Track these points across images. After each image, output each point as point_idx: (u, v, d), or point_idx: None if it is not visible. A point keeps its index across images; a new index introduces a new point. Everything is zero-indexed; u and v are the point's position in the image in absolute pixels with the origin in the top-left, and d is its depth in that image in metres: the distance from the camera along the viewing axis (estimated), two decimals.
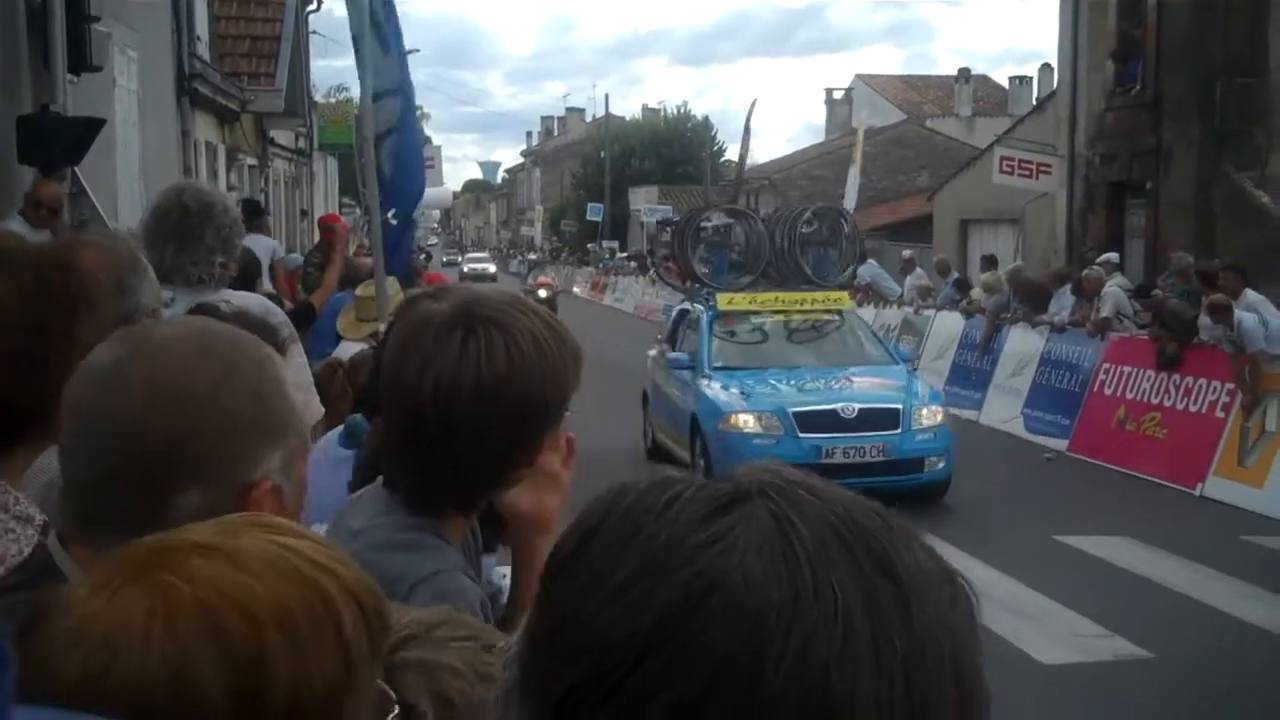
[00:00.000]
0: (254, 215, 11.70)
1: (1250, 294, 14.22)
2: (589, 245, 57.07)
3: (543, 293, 33.51)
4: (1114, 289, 17.30)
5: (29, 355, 1.77)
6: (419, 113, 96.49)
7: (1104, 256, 19.33)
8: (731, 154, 69.22)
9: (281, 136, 27.46)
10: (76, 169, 9.77)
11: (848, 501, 0.86)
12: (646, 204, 61.64)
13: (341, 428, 2.38)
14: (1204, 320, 14.37)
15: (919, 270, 24.24)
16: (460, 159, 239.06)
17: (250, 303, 4.27)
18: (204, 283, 4.47)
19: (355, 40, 6.97)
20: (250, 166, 23.49)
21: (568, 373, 2.04)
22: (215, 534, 1.13)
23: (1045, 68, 49.74)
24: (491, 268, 71.50)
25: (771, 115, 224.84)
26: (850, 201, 30.70)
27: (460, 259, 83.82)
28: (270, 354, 1.65)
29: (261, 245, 10.20)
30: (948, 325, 20.96)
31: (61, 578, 1.50)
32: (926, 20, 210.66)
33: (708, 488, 0.86)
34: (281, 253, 11.71)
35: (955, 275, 22.96)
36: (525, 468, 2.05)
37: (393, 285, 6.86)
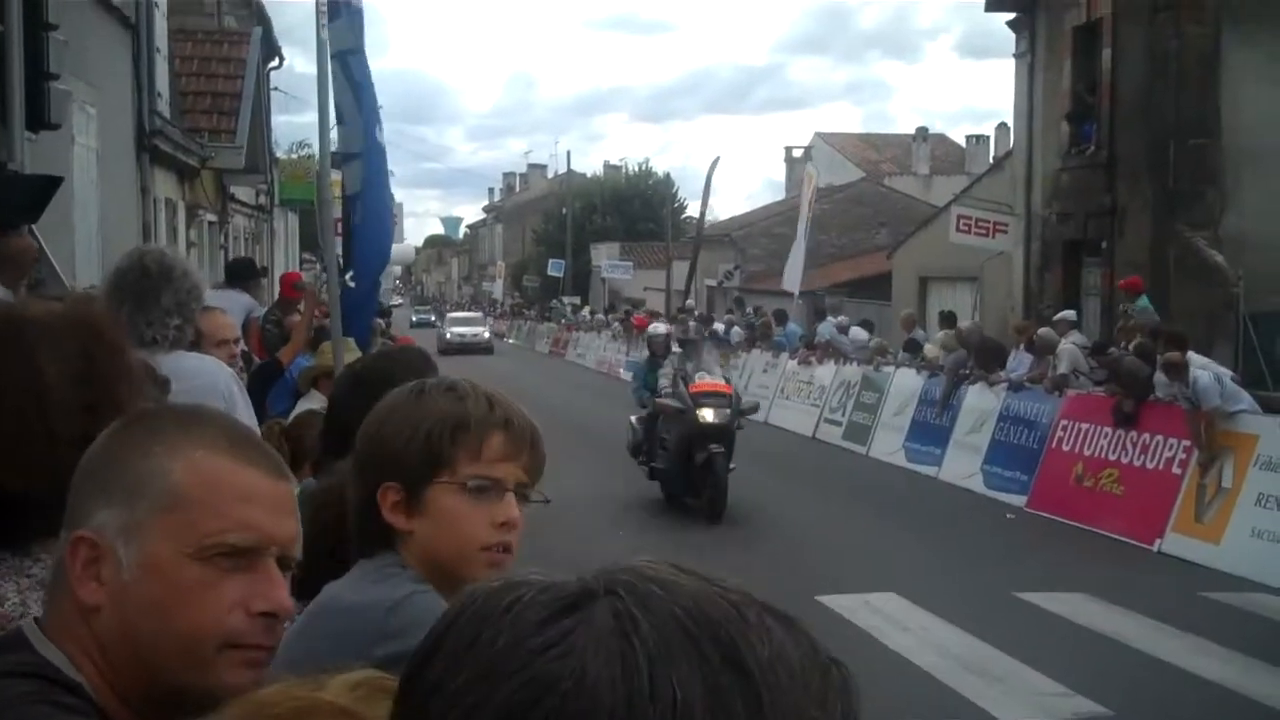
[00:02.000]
0: (241, 275, 11.60)
1: (1195, 357, 14.32)
2: (552, 302, 56.83)
3: (709, 414, 15.15)
4: (1070, 346, 17.38)
5: (85, 439, 1.73)
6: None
7: (1060, 314, 19.45)
8: (693, 210, 69.53)
9: (242, 192, 27.39)
10: (34, 228, 9.68)
11: (699, 593, 0.84)
12: (609, 260, 61.80)
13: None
14: (1160, 378, 14.47)
15: (855, 330, 24.70)
16: (422, 215, 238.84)
17: (180, 363, 4.23)
18: (156, 344, 4.43)
19: (321, 97, 6.98)
20: (210, 223, 23.41)
21: (426, 436, 2.10)
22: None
23: (1002, 127, 50.23)
24: (485, 333, 56.82)
25: (732, 172, 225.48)
26: (798, 254, 31.04)
27: (438, 320, 69.97)
28: (185, 424, 1.58)
29: (238, 304, 10.12)
30: (907, 382, 21.05)
31: (30, 653, 1.51)
32: (884, 80, 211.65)
33: (552, 589, 0.85)
34: (259, 312, 11.58)
35: (906, 336, 23.06)
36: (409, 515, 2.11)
37: (349, 348, 6.82)
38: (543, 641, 0.81)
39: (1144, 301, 18.66)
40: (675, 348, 17.39)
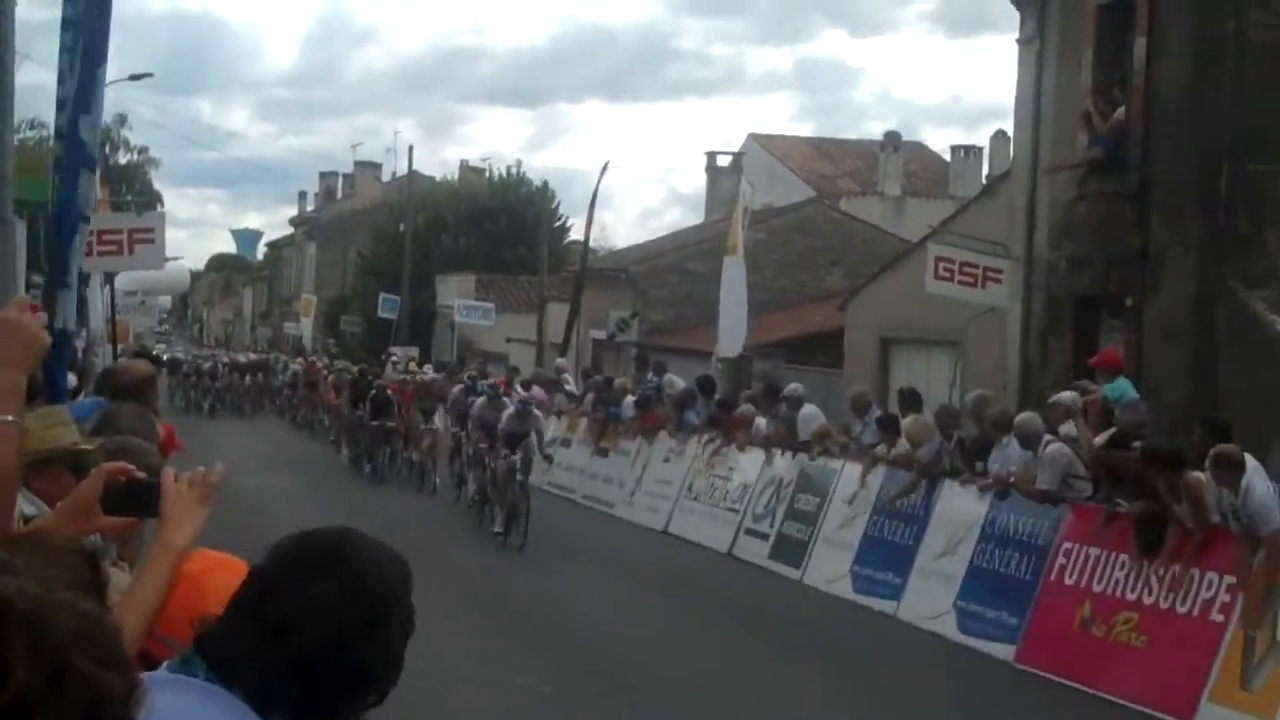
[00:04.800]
0: None
1: (1248, 459, 14.42)
2: (390, 359, 54.99)
3: None
4: (1057, 447, 17.34)
5: None
6: (143, 157, 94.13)
7: (1057, 396, 19.28)
8: (578, 232, 69.53)
9: None
10: None
11: None
12: (461, 298, 61.46)
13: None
14: (1208, 478, 14.45)
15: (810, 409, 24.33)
16: (203, 225, 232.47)
17: None
18: None
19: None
20: None
21: None
22: None
23: (999, 136, 50.87)
24: None
25: (631, 183, 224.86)
26: (736, 307, 31.13)
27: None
28: None
29: None
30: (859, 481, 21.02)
31: None
32: (840, 60, 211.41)
33: None
34: None
35: (878, 412, 23.03)
36: None
37: (52, 415, 6.55)
38: None
39: (1120, 389, 18.36)
40: None
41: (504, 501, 24.58)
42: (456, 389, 32.11)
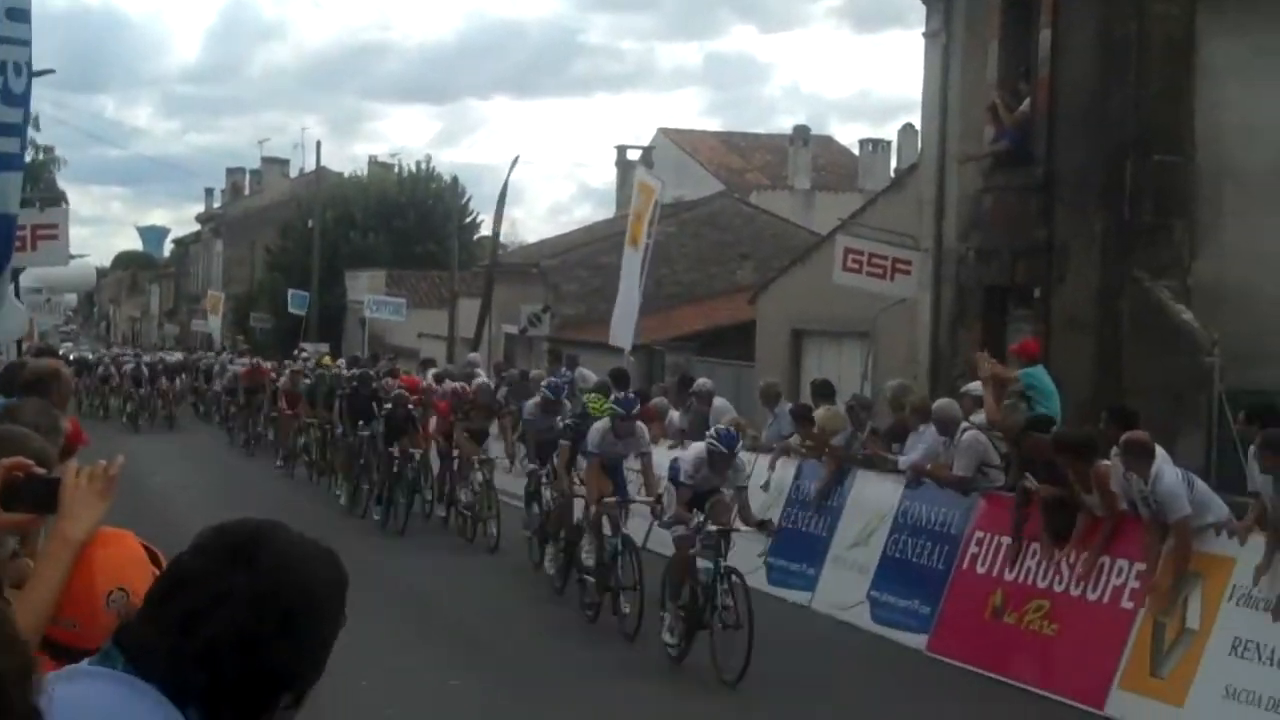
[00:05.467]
0: None
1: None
2: (300, 355, 51.38)
3: None
4: (972, 434, 17.43)
5: None
6: (48, 156, 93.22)
7: (968, 386, 19.39)
8: (488, 228, 69.34)
9: None
10: None
11: None
12: (372, 294, 61.23)
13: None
14: (1116, 467, 14.54)
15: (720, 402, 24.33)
16: (106, 221, 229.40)
17: None
18: None
19: None
20: None
21: None
22: None
23: (908, 130, 51.09)
24: None
25: (542, 177, 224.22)
26: (631, 296, 31.09)
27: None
28: None
29: None
30: (775, 474, 21.03)
31: None
32: (750, 55, 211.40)
33: None
34: None
35: (788, 404, 23.05)
36: None
37: None
38: None
39: (1034, 377, 17.90)
40: None
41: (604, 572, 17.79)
42: (532, 404, 22.40)
